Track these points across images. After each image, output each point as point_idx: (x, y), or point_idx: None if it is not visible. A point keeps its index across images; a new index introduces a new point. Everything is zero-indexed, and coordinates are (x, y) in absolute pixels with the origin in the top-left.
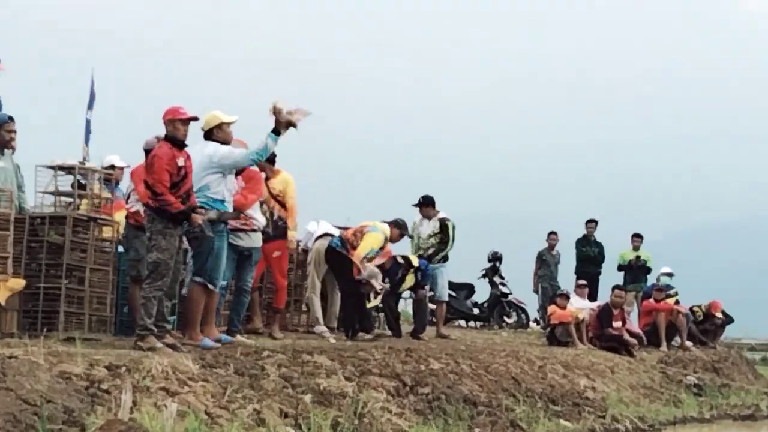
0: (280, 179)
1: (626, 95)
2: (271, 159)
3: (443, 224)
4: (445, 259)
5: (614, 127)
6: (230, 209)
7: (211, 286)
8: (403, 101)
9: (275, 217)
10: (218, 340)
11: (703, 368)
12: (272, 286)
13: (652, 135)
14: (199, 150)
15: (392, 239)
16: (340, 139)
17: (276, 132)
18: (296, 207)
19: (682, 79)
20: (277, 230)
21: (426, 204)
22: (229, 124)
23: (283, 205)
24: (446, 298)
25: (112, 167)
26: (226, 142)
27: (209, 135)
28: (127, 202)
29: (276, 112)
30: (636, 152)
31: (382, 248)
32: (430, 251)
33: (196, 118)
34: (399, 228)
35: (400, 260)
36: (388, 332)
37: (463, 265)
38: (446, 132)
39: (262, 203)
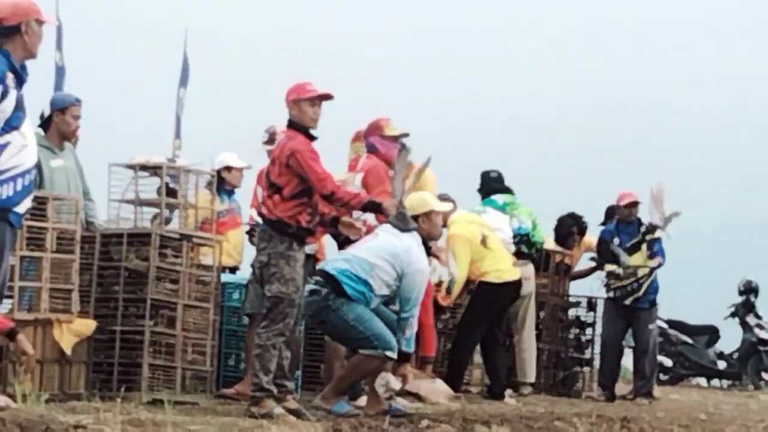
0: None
1: None
2: None
3: None
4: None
5: None
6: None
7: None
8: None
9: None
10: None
11: None
12: None
13: None
14: (401, 240)
15: None
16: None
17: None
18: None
19: None
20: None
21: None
22: (439, 213)
23: None
24: None
25: (228, 169)
26: (431, 235)
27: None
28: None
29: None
30: None
31: None
32: None
33: (329, 96)
34: None
35: None
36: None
37: (703, 299)
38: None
39: None
